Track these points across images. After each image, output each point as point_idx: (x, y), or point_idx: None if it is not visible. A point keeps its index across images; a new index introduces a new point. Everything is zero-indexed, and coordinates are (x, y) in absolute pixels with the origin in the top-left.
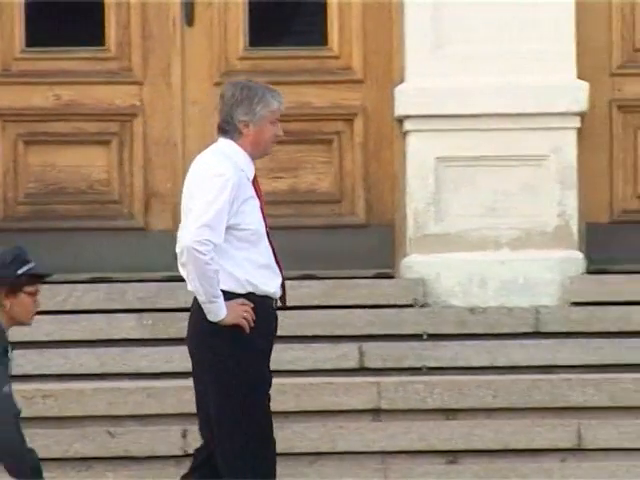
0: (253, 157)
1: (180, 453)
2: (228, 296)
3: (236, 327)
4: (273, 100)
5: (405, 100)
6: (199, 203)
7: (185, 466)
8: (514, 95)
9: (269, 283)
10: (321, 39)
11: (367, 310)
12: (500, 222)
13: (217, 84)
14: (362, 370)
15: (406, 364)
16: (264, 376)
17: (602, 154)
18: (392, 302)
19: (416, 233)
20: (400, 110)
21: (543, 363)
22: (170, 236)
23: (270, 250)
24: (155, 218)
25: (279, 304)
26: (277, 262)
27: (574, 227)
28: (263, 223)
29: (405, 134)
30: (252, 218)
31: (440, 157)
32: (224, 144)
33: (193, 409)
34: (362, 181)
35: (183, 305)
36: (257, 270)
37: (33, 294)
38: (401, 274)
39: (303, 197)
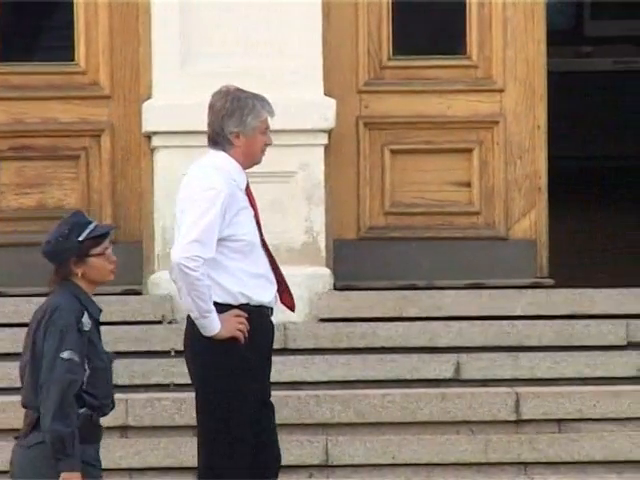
0: (244, 167)
1: None
2: (221, 308)
3: (231, 340)
4: (262, 110)
5: (153, 116)
6: (189, 218)
7: None
8: None
9: (264, 293)
10: (69, 55)
11: (116, 326)
12: None
13: None
14: None
15: (154, 380)
16: (249, 389)
17: (350, 171)
18: (140, 318)
19: (164, 250)
20: (148, 126)
21: (291, 379)
22: None
23: (265, 259)
24: None
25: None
26: (275, 270)
27: (322, 243)
28: (257, 233)
29: (153, 150)
30: (246, 229)
31: None
32: (215, 156)
33: None
34: (110, 197)
35: None
36: (251, 280)
37: (101, 254)
38: (149, 291)
39: (51, 213)
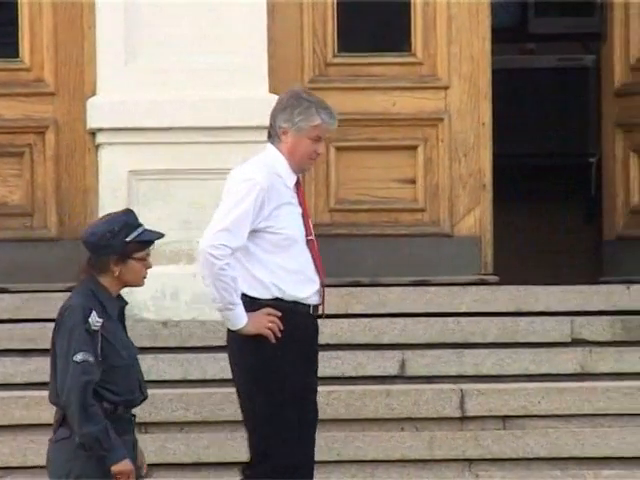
0: (292, 167)
1: None
2: (255, 302)
3: (260, 337)
4: (317, 115)
5: (97, 113)
6: (222, 207)
7: None
8: (208, 109)
9: (299, 288)
10: (13, 51)
11: None
12: (194, 235)
13: None
14: None
15: None
16: (287, 386)
17: None
18: None
19: None
20: (92, 123)
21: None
22: None
23: (307, 257)
24: None
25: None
26: (319, 271)
27: None
28: (302, 230)
29: (98, 147)
30: (286, 223)
31: (133, 170)
32: (267, 150)
33: None
34: (54, 194)
35: None
36: (286, 275)
37: (143, 259)
38: None
39: None
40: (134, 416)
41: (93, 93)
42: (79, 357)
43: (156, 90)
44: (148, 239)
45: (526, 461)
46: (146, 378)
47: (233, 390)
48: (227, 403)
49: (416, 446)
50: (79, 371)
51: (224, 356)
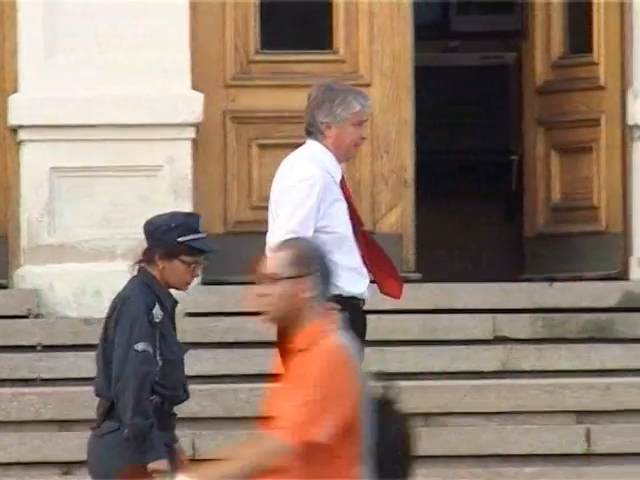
0: (338, 159)
1: None
2: None
3: None
4: (355, 102)
5: (18, 110)
6: (287, 207)
7: None
8: (130, 106)
9: (355, 285)
10: None
11: None
12: (116, 232)
13: None
14: None
15: (20, 375)
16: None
17: (217, 165)
18: (6, 313)
19: (29, 243)
20: (13, 120)
21: None
22: None
23: (357, 252)
24: None
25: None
26: (381, 259)
27: None
28: (349, 225)
29: (19, 144)
30: (339, 221)
31: (54, 167)
32: (311, 145)
33: None
34: None
35: None
36: (343, 272)
37: (189, 264)
38: (15, 285)
39: None
40: (175, 414)
41: (14, 90)
42: (140, 346)
43: (77, 87)
44: (199, 247)
45: (447, 458)
46: (67, 375)
47: None
48: None
49: None
50: (140, 360)
51: None
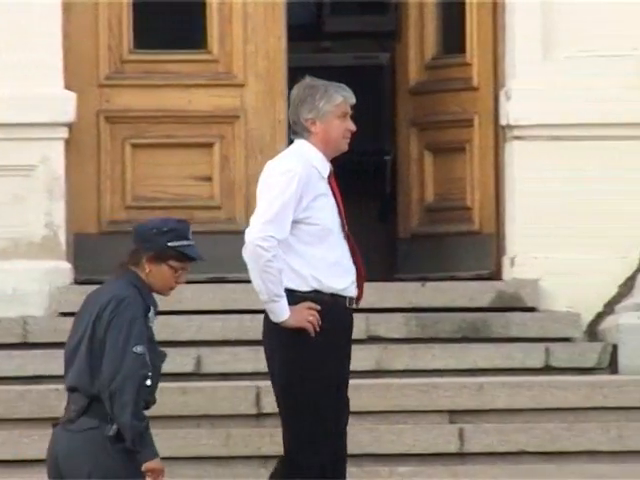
0: (327, 155)
1: None
2: (293, 294)
3: (300, 330)
4: (336, 94)
5: None
6: (264, 198)
7: None
8: (3, 106)
9: (336, 280)
10: None
11: None
12: None
13: None
14: None
15: None
16: (327, 378)
17: (91, 165)
18: None
19: None
20: None
21: (32, 374)
22: None
23: (344, 248)
24: None
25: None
26: (356, 262)
27: (62, 238)
28: (337, 221)
29: None
30: (322, 214)
31: None
32: (297, 143)
33: None
34: None
35: None
36: (325, 267)
37: (176, 269)
38: None
39: None
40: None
41: None
42: (139, 349)
43: None
44: (189, 253)
45: None
46: None
47: (29, 388)
48: (21, 400)
49: (212, 443)
50: (140, 363)
51: (20, 353)
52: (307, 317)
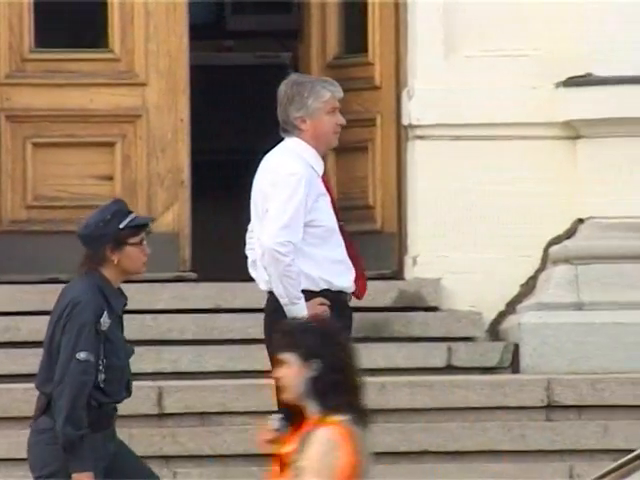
0: (319, 151)
1: None
2: (304, 295)
3: None
4: (324, 90)
5: None
6: (276, 203)
7: None
8: None
9: (343, 278)
10: None
11: None
12: None
13: None
14: None
15: None
16: None
17: None
18: None
19: None
20: None
21: None
22: None
23: (342, 245)
24: None
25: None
26: (353, 257)
27: None
28: (334, 219)
29: None
30: (325, 214)
31: None
32: (290, 142)
33: None
34: None
35: None
36: (331, 266)
37: (139, 244)
38: None
39: None
40: (116, 410)
41: None
42: (82, 355)
43: None
44: (141, 223)
45: (224, 458)
46: None
47: None
48: None
49: None
50: (80, 370)
51: None
52: (321, 314)
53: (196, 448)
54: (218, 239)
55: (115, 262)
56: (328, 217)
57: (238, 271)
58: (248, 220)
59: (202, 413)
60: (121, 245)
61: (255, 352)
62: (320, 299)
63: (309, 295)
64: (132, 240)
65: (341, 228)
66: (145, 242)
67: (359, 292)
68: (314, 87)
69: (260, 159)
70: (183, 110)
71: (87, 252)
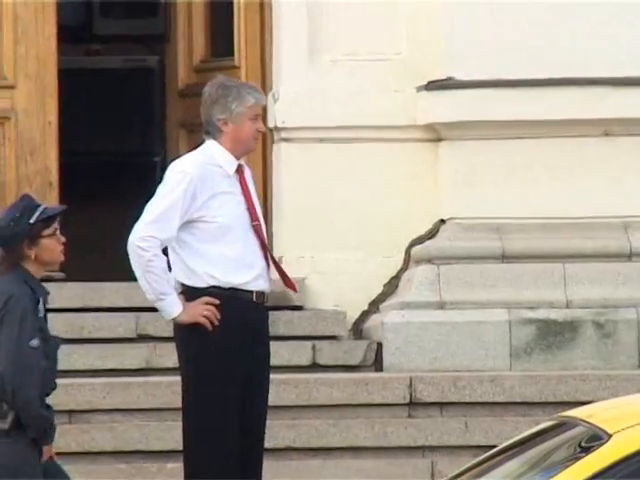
0: (236, 154)
1: None
2: (195, 291)
3: (197, 325)
4: (249, 96)
5: None
6: (153, 199)
7: None
8: None
9: (235, 275)
10: None
11: None
12: None
13: None
14: None
15: None
16: (221, 370)
17: None
18: None
19: None
20: None
21: None
22: None
23: (246, 244)
24: None
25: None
26: (266, 257)
27: None
28: (240, 218)
29: None
30: (220, 212)
31: None
32: (205, 144)
33: None
34: None
35: None
36: (223, 263)
37: (53, 234)
38: None
39: None
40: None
41: None
42: (35, 343)
43: None
44: (51, 214)
45: (92, 455)
46: None
47: None
48: None
49: None
50: (38, 356)
51: None
52: (202, 312)
53: (64, 445)
54: (88, 239)
55: (33, 257)
56: (224, 214)
57: (107, 271)
58: (116, 222)
59: (70, 411)
60: (36, 239)
61: (124, 351)
62: (206, 298)
63: (196, 292)
64: (46, 232)
65: (255, 228)
66: (58, 232)
67: (292, 286)
68: (240, 92)
69: (126, 162)
70: (51, 113)
71: (4, 252)
